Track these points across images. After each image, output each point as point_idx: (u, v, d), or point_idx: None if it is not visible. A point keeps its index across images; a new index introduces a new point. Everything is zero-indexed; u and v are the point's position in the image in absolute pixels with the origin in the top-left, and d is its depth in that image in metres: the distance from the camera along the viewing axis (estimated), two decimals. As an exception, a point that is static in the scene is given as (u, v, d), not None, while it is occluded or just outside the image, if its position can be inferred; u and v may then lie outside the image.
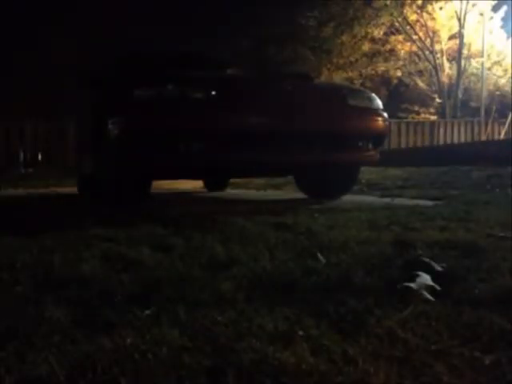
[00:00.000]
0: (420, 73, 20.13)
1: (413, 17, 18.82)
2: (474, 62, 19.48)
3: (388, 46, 19.25)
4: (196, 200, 5.11)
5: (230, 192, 5.88)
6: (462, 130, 15.83)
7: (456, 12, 18.60)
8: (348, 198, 4.18)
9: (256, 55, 16.08)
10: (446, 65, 19.44)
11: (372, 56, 19.03)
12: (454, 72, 19.24)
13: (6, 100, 14.17)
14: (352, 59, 18.62)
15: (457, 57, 19.07)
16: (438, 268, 1.54)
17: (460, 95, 18.79)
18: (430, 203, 3.73)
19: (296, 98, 3.77)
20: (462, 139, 15.46)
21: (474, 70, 19.57)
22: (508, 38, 20.88)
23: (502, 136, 16.41)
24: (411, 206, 3.44)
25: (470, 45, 19.46)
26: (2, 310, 1.27)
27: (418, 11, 18.58)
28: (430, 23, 18.98)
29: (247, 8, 16.12)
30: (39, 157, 11.93)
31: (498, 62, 20.22)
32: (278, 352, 1.00)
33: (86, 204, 4.75)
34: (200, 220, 2.84)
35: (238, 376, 0.93)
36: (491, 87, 19.82)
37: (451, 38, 19.47)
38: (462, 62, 18.81)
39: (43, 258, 1.82)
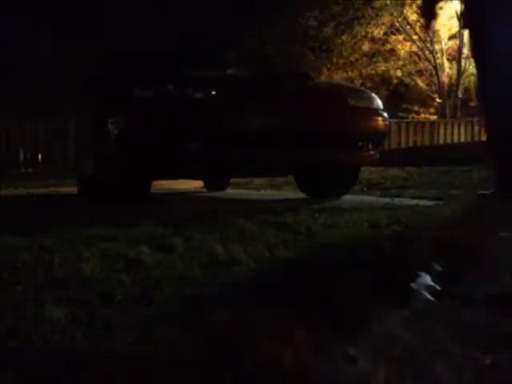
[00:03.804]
0: (420, 73, 20.09)
1: (413, 17, 18.80)
2: (474, 62, 19.45)
3: (388, 46, 19.23)
4: (196, 200, 5.11)
5: (230, 192, 5.87)
6: (462, 129, 15.80)
7: (456, 12, 18.60)
8: (348, 198, 4.18)
9: (256, 55, 16.07)
10: (446, 65, 19.42)
11: (372, 56, 19.02)
12: (454, 72, 19.23)
13: (5, 100, 14.16)
14: (352, 59, 18.61)
15: (457, 57, 19.07)
16: (438, 268, 1.54)
17: (460, 95, 18.78)
18: (430, 203, 3.72)
19: (296, 97, 3.78)
20: (462, 139, 15.43)
21: (475, 70, 19.53)
22: (508, 37, 20.88)
23: (501, 136, 16.40)
24: (411, 205, 3.44)
25: (470, 45, 19.45)
26: (1, 310, 1.27)
27: (418, 11, 18.56)
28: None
29: (247, 8, 16.12)
30: (39, 157, 11.92)
31: (498, 62, 20.20)
32: (277, 352, 1.00)
33: (86, 204, 4.75)
34: (200, 220, 2.83)
35: (238, 376, 0.93)
36: (491, 87, 19.80)
37: (451, 37, 19.46)
38: (462, 62, 18.78)
39: (43, 258, 1.82)
